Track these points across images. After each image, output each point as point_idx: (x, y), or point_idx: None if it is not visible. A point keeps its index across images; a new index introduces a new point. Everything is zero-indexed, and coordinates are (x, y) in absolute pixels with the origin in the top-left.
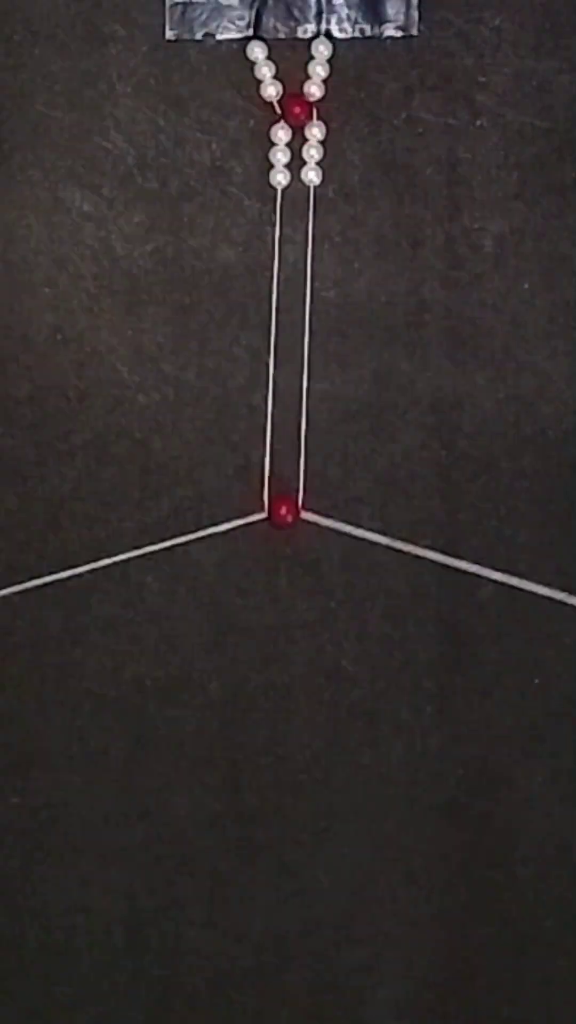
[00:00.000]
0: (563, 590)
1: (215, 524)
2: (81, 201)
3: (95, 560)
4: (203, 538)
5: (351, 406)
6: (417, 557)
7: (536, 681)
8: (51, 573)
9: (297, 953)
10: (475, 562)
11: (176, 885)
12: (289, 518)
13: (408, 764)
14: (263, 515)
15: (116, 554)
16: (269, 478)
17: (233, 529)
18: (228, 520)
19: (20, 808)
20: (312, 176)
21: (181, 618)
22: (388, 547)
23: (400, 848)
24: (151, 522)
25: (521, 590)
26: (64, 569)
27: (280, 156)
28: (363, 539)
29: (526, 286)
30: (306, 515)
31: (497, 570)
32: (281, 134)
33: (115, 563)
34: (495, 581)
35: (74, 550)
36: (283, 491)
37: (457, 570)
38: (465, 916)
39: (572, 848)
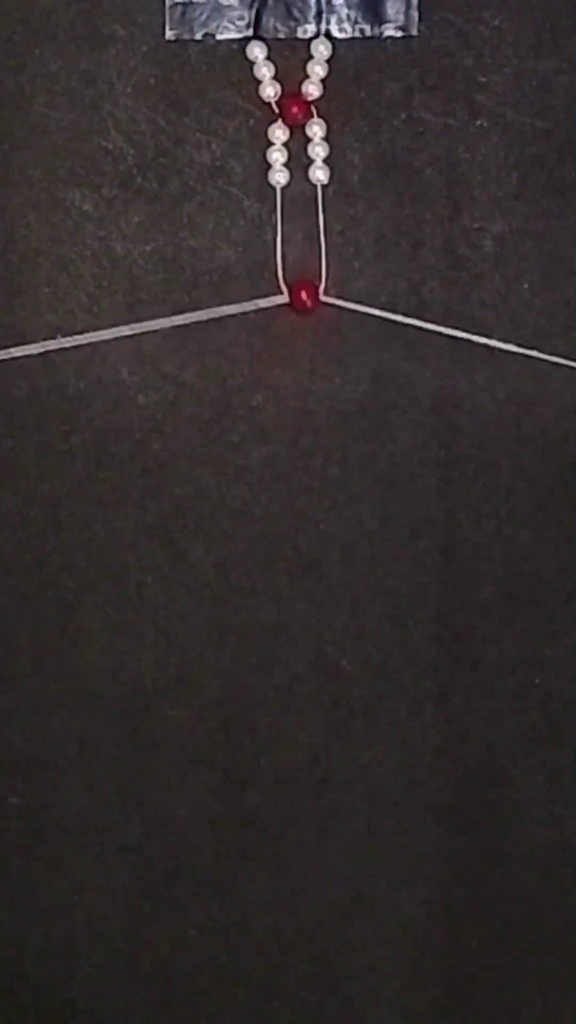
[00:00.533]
0: (563, 590)
1: (214, 521)
2: (81, 201)
3: (95, 559)
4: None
5: (351, 406)
6: (417, 557)
7: (536, 681)
8: (51, 572)
9: (297, 953)
10: (475, 561)
11: (176, 885)
12: (309, 303)
13: (408, 764)
14: (283, 299)
15: (116, 554)
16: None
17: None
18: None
19: (20, 808)
20: (320, 175)
21: (181, 618)
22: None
23: (400, 848)
24: (151, 522)
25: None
26: (63, 569)
27: (277, 156)
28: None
29: (526, 286)
30: (326, 299)
31: (496, 570)
32: (279, 133)
33: (118, 559)
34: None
35: (74, 550)
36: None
37: (456, 571)
38: (465, 916)
39: (572, 848)
